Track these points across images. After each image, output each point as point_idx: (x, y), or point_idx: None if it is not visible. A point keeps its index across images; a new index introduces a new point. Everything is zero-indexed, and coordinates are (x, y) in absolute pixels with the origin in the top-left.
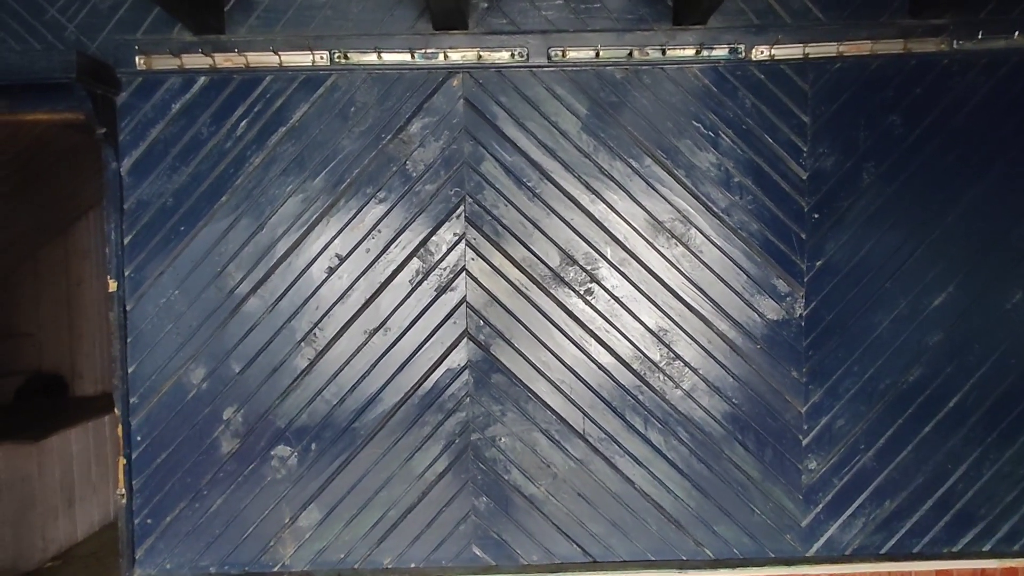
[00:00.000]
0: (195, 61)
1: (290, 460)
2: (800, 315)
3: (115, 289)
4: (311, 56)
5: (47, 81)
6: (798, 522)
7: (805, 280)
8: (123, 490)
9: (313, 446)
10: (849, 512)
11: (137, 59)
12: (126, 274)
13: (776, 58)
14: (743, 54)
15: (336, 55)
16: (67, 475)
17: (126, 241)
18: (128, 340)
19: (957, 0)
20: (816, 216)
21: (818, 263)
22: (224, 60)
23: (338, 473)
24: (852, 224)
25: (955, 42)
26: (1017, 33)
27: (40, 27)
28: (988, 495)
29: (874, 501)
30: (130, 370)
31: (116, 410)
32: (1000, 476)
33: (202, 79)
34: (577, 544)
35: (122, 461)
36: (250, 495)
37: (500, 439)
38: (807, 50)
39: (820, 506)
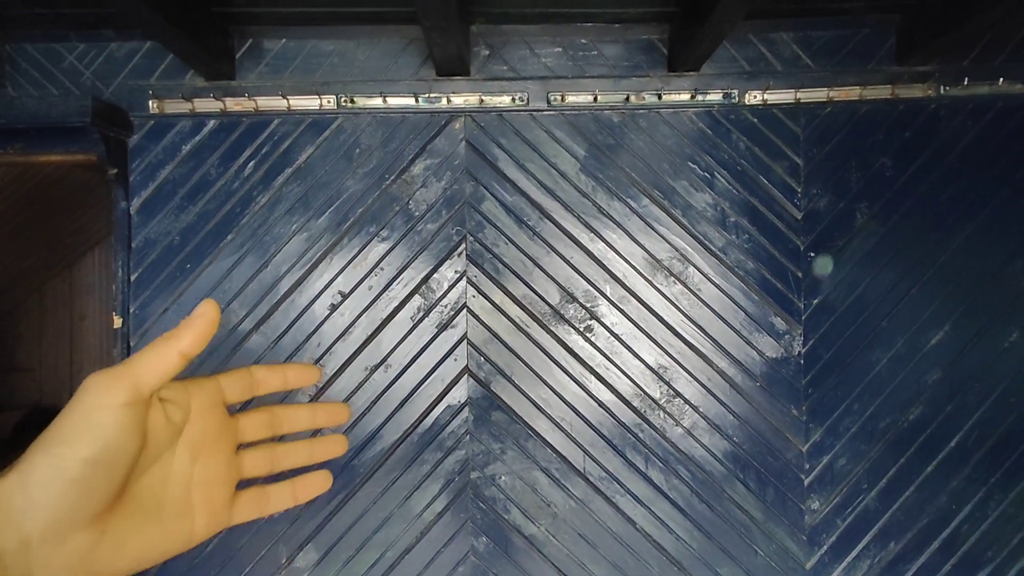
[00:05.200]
0: (206, 105)
1: None
2: (799, 352)
3: (120, 326)
4: (318, 100)
5: (62, 124)
6: (802, 564)
7: (803, 318)
8: None
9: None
10: (854, 554)
11: (150, 103)
12: (131, 311)
13: (768, 103)
14: (736, 99)
15: (343, 99)
16: None
17: (133, 278)
18: None
19: (942, 48)
20: (812, 255)
21: (815, 301)
22: (234, 104)
23: (336, 512)
24: (847, 263)
25: (941, 88)
26: (1001, 80)
27: (58, 73)
28: (994, 537)
29: (879, 543)
30: None
31: None
32: (1006, 518)
33: (212, 122)
34: None
35: None
36: (246, 535)
37: (500, 477)
38: (798, 95)
39: (824, 548)
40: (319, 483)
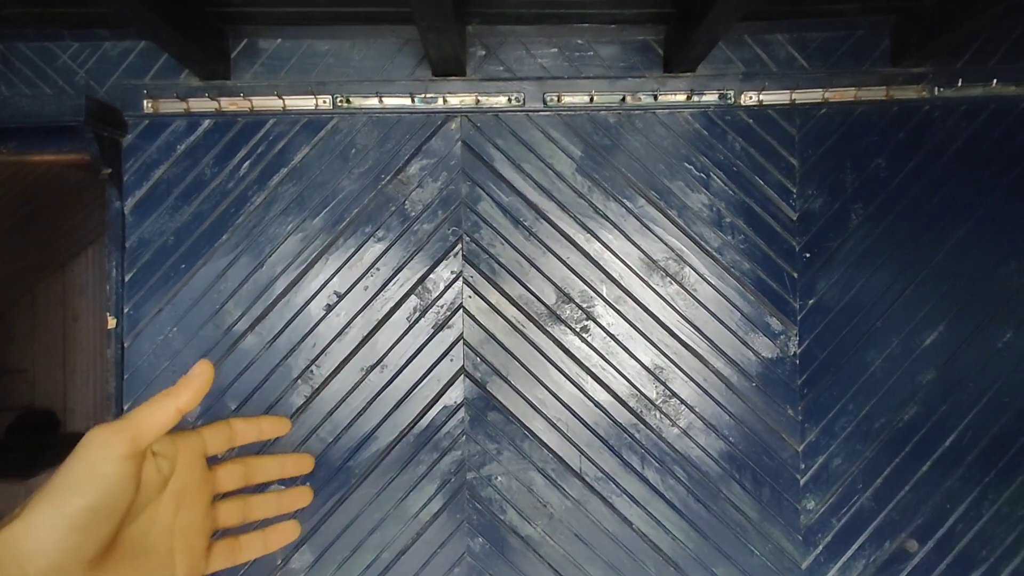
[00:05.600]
0: (201, 105)
1: None
2: (794, 353)
3: (114, 326)
4: (314, 100)
5: (56, 124)
6: (798, 564)
7: (798, 318)
8: None
9: (307, 485)
10: (849, 554)
11: (144, 103)
12: (125, 311)
13: (764, 104)
14: (732, 100)
15: (338, 99)
16: None
17: (127, 279)
18: (124, 378)
19: (936, 50)
20: (807, 256)
21: (810, 301)
22: (229, 104)
23: (331, 513)
24: (842, 263)
25: (936, 89)
26: (995, 81)
27: (51, 72)
28: (988, 536)
29: (874, 542)
30: (125, 407)
31: None
32: (999, 517)
33: (207, 122)
34: None
35: None
36: None
37: (496, 478)
38: (794, 96)
39: (820, 547)
40: (288, 532)
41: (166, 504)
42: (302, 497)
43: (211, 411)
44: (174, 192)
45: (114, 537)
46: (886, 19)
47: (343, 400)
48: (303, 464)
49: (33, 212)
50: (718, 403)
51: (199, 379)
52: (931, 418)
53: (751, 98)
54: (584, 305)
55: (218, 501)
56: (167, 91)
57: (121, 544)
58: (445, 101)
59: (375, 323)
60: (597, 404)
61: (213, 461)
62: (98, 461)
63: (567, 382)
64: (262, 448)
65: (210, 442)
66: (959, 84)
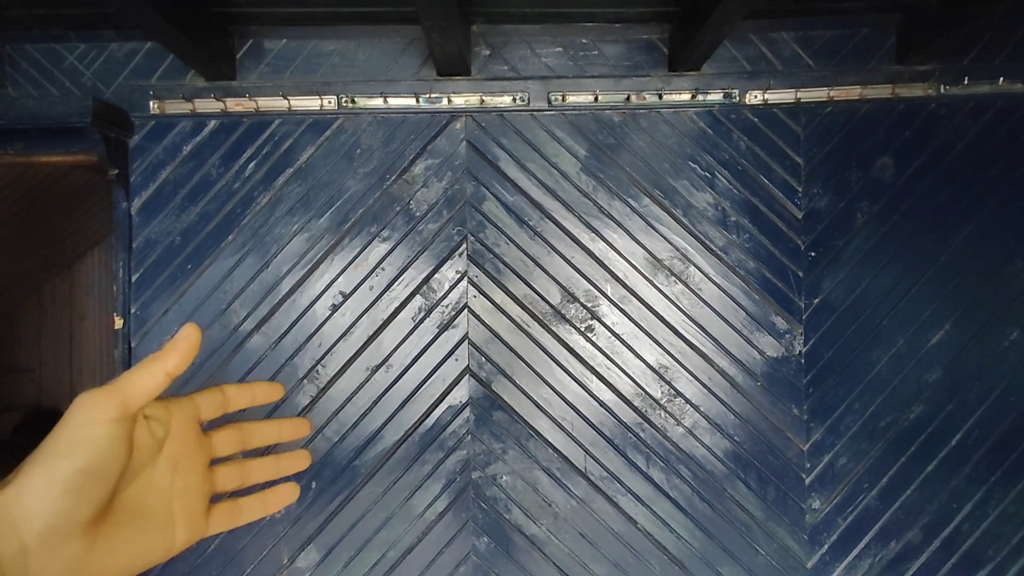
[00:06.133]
0: (207, 106)
1: None
2: (799, 352)
3: (121, 326)
4: (319, 100)
5: (63, 125)
6: (803, 563)
7: (803, 317)
8: None
9: (313, 485)
10: (855, 553)
11: (151, 104)
12: (132, 312)
13: (769, 102)
14: (737, 98)
15: (343, 100)
16: None
17: (133, 279)
18: None
19: (942, 47)
20: (812, 254)
21: (816, 300)
22: (235, 104)
23: (337, 513)
24: (848, 262)
25: (942, 87)
26: (1001, 79)
27: (58, 74)
28: (995, 535)
29: (880, 542)
30: None
31: None
32: (1006, 516)
33: (213, 123)
34: None
35: None
36: (248, 535)
37: (501, 477)
38: (799, 95)
39: (825, 547)
40: (287, 494)
41: (162, 468)
42: (300, 460)
43: None
44: (180, 192)
45: (109, 500)
46: (892, 17)
47: (349, 399)
48: (300, 428)
49: (40, 212)
50: (723, 402)
51: (186, 342)
52: (937, 417)
53: (756, 97)
54: (589, 304)
55: (215, 465)
56: (173, 92)
57: (118, 507)
58: (450, 101)
59: (380, 323)
60: (602, 403)
61: (208, 428)
62: (87, 424)
63: (572, 381)
64: (269, 446)
65: (203, 407)
66: (965, 82)
